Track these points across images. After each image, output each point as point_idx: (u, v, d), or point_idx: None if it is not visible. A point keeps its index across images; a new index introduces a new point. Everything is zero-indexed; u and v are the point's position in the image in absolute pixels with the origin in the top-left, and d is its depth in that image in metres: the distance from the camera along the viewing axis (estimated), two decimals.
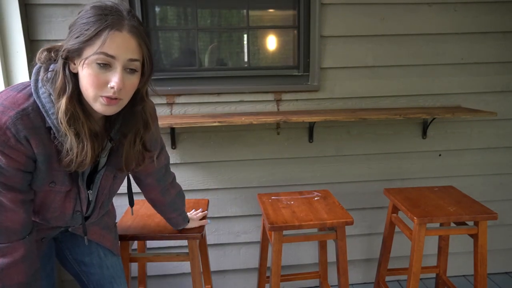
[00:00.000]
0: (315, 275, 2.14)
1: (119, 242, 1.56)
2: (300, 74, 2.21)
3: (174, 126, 1.97)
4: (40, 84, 0.94)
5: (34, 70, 0.96)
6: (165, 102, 2.12)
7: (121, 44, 0.91)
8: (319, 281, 2.16)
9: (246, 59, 2.21)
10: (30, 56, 1.93)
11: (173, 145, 2.15)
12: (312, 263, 2.40)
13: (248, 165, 2.25)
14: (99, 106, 0.95)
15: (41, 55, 0.97)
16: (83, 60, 0.90)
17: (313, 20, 2.11)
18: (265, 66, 2.22)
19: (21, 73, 1.91)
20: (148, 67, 0.98)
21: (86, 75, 0.91)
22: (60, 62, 0.93)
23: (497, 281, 2.48)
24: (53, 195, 1.05)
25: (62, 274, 2.21)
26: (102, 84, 0.92)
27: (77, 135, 0.94)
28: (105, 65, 0.91)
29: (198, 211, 1.68)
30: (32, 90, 0.93)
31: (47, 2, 1.92)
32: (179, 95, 2.13)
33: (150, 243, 2.15)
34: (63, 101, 0.91)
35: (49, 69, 0.96)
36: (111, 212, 1.41)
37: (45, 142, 0.94)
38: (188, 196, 2.20)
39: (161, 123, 1.89)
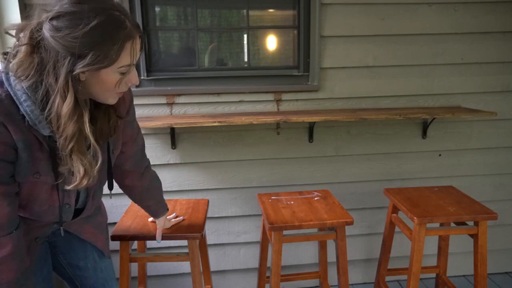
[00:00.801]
0: (315, 275, 2.14)
1: (119, 242, 1.57)
2: (300, 74, 2.21)
3: (174, 126, 1.97)
4: (10, 74, 0.92)
5: (0, 59, 0.95)
6: (165, 102, 2.12)
7: (138, 50, 0.96)
8: (319, 281, 2.16)
9: (246, 59, 2.21)
10: None
11: (173, 145, 2.15)
12: (312, 263, 2.40)
13: (248, 165, 2.25)
14: (112, 100, 1.01)
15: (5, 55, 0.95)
16: (108, 71, 0.93)
17: (313, 20, 2.11)
18: (265, 66, 2.22)
19: None
20: None
21: (103, 81, 0.94)
22: (64, 78, 0.88)
23: (497, 281, 2.48)
24: (39, 187, 1.03)
25: None
26: (120, 85, 0.97)
27: (84, 149, 0.95)
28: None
29: (179, 218, 1.66)
30: (4, 79, 0.92)
31: (47, 2, 1.92)
32: (179, 95, 2.13)
33: (150, 243, 2.15)
34: (70, 125, 0.91)
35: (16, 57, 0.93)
36: (103, 211, 1.40)
37: (22, 129, 0.93)
38: (188, 196, 2.21)
39: (161, 123, 1.89)
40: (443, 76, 2.26)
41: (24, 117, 0.92)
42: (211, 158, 2.20)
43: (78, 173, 0.96)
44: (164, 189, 2.17)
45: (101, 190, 1.25)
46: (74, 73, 0.88)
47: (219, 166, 2.23)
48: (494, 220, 1.74)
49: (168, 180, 2.19)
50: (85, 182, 0.98)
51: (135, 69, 0.99)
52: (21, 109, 0.91)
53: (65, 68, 0.87)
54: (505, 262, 2.57)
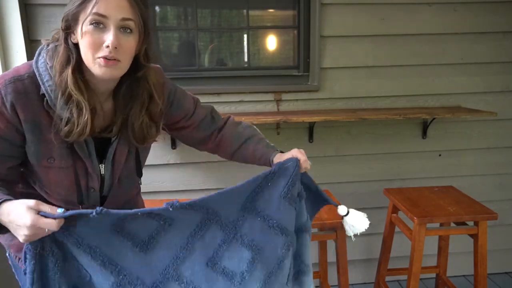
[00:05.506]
0: (315, 275, 2.13)
1: None
2: (300, 74, 2.21)
3: None
4: (41, 56, 0.98)
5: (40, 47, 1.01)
6: None
7: (113, 3, 0.94)
8: (319, 281, 2.16)
9: (246, 59, 2.21)
10: (30, 56, 1.93)
11: (173, 145, 2.15)
12: (312, 263, 2.39)
13: (248, 165, 2.24)
14: (97, 69, 0.96)
15: (56, 34, 1.01)
16: (81, 26, 0.93)
17: (313, 20, 2.11)
18: (265, 66, 2.22)
19: None
20: (143, 28, 1.00)
21: (84, 40, 0.94)
22: (61, 34, 0.97)
23: (497, 281, 2.48)
24: (56, 172, 1.03)
25: None
26: (98, 45, 0.94)
27: (78, 104, 0.96)
28: (99, 26, 0.93)
29: None
30: (33, 60, 0.98)
31: (47, 2, 1.92)
32: None
33: None
34: (69, 72, 0.95)
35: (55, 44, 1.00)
36: (140, 206, 1.36)
37: (34, 109, 0.96)
38: (188, 196, 2.21)
39: None
40: (443, 76, 2.26)
41: (44, 96, 0.96)
42: (211, 158, 2.18)
43: (71, 121, 0.96)
44: (163, 189, 2.19)
45: (131, 180, 1.21)
46: (62, 20, 0.95)
47: (219, 166, 2.22)
48: (494, 220, 1.74)
49: (168, 180, 2.19)
50: (74, 133, 0.97)
51: (112, 29, 0.94)
52: (43, 88, 0.95)
53: (61, 22, 0.96)
54: (505, 262, 2.57)
